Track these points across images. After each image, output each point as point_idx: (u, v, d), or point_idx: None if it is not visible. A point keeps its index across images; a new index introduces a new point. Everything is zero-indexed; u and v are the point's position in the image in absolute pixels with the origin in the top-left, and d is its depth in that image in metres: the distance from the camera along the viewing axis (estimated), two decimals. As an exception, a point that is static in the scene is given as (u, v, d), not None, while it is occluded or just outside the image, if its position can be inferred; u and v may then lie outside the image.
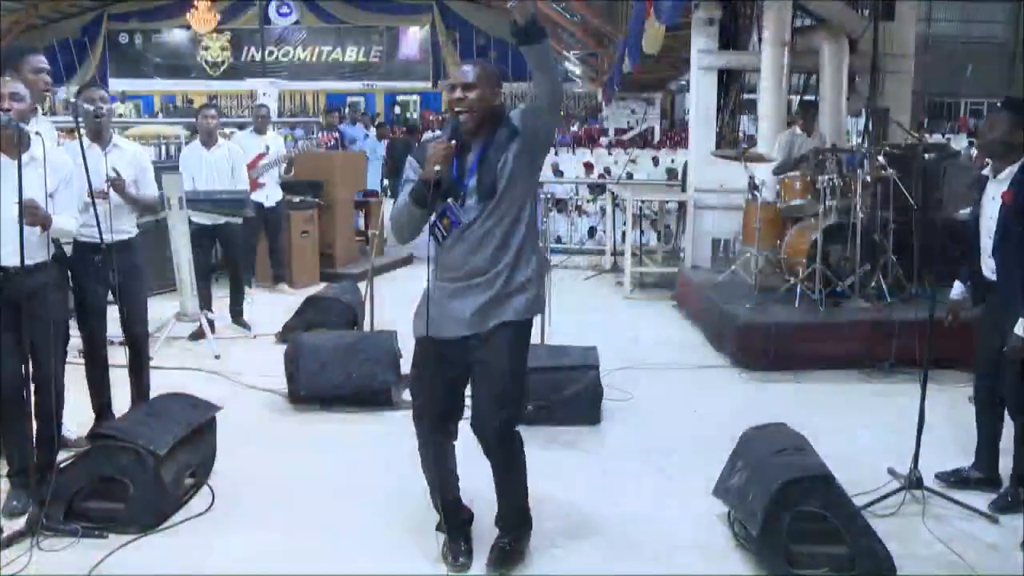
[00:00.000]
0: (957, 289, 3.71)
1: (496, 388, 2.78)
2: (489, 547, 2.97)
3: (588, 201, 11.29)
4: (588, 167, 14.75)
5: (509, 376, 2.80)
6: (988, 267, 3.48)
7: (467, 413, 2.91)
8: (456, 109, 2.71)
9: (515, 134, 2.73)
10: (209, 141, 6.32)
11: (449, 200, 2.72)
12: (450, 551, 2.97)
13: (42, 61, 3.63)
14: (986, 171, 3.57)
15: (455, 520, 3.01)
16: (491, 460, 2.89)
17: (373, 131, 12.49)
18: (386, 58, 29.08)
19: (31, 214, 3.10)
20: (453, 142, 2.67)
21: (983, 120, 3.73)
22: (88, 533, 3.09)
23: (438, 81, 28.81)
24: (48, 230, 3.25)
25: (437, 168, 2.63)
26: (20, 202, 3.01)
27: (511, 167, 2.71)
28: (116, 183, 4.07)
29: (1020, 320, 3.24)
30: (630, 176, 12.42)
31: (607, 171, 14.12)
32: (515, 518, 3.00)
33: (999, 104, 3.71)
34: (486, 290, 2.75)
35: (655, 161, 16.31)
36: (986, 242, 3.46)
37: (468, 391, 2.92)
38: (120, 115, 19.70)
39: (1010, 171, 3.38)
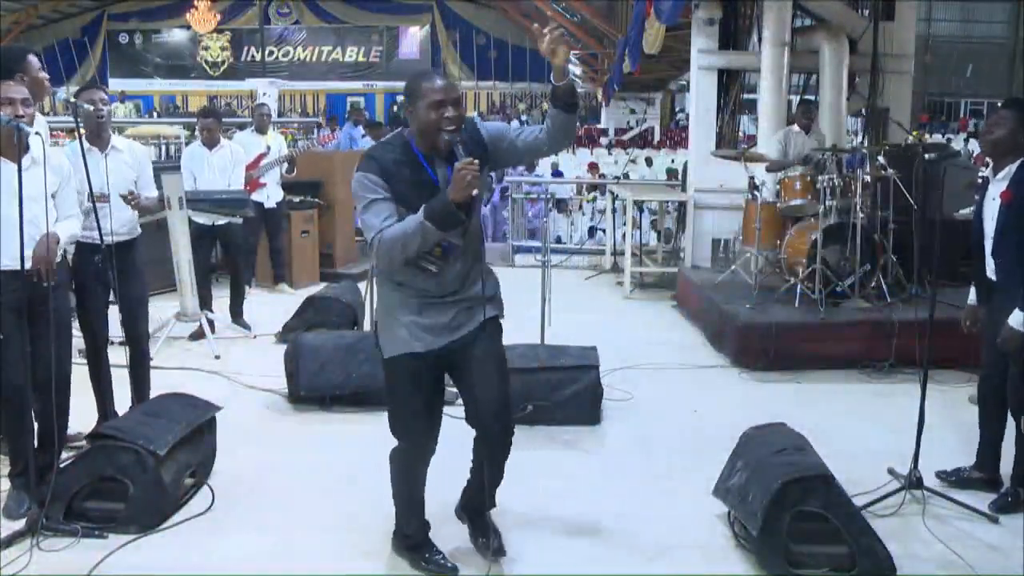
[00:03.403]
0: (974, 295, 3.70)
1: (499, 379, 2.77)
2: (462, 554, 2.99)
3: (589, 201, 11.32)
4: (593, 167, 14.79)
5: (504, 366, 2.82)
6: (991, 267, 3.48)
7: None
8: (450, 127, 2.56)
9: (484, 151, 2.65)
10: (211, 143, 6.33)
11: None
12: (433, 562, 2.94)
13: (36, 62, 3.63)
14: (986, 172, 3.56)
15: (425, 533, 3.00)
16: (492, 458, 2.86)
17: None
18: (386, 58, 29.12)
19: (42, 260, 3.14)
20: (477, 160, 2.51)
21: (984, 120, 3.71)
22: (88, 533, 3.09)
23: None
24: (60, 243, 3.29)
25: (476, 192, 2.49)
26: (20, 206, 3.00)
27: (491, 169, 2.73)
28: (131, 201, 4.14)
29: (1016, 312, 3.24)
30: (626, 176, 12.44)
31: (597, 171, 14.20)
32: (486, 519, 2.99)
33: (1000, 104, 3.70)
34: (460, 302, 2.74)
35: (648, 162, 16.37)
36: (989, 243, 3.46)
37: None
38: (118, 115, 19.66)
39: (1008, 170, 3.37)
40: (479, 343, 2.75)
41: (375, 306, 2.82)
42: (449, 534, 3.08)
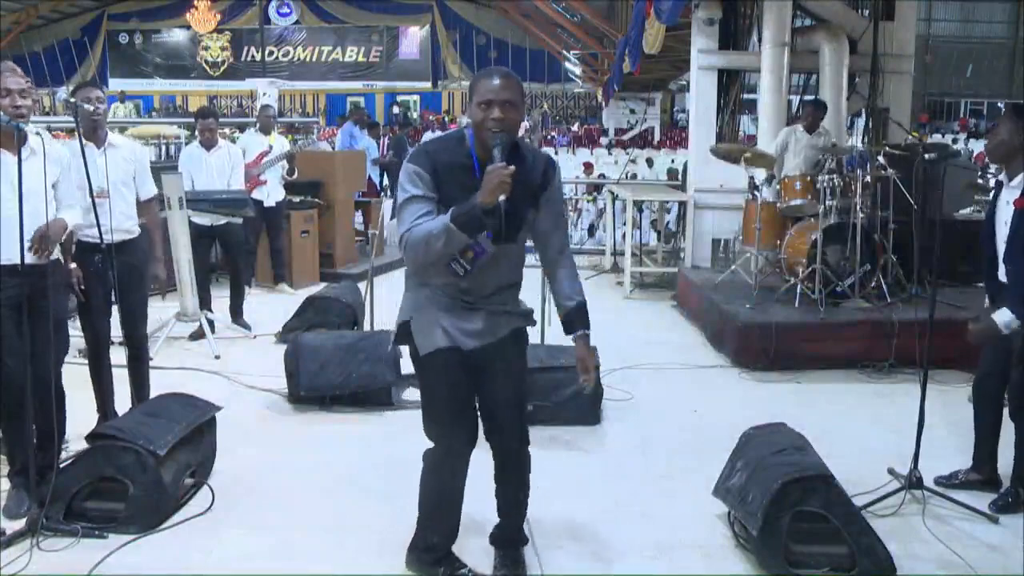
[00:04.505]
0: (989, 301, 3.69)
1: (518, 392, 2.74)
2: (488, 563, 2.93)
3: (588, 200, 11.33)
4: (588, 167, 14.81)
5: (523, 380, 2.78)
6: (1003, 272, 3.46)
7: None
8: (494, 129, 2.46)
9: (543, 189, 2.60)
10: (210, 144, 6.33)
11: (486, 236, 2.53)
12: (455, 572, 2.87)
13: (12, 65, 3.60)
14: (1001, 176, 3.55)
15: (448, 547, 2.87)
16: (507, 471, 2.81)
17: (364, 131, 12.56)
18: (386, 58, 29.10)
19: (42, 241, 3.14)
20: (513, 167, 2.43)
21: (985, 121, 3.77)
22: (88, 533, 3.09)
23: (438, 81, 28.85)
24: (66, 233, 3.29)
25: (503, 198, 2.39)
26: (20, 204, 3.00)
27: (534, 220, 2.64)
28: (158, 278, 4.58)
29: (1004, 311, 3.25)
30: (633, 177, 12.44)
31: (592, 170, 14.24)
32: (517, 537, 2.94)
33: (1003, 109, 3.71)
34: (493, 311, 2.69)
35: (649, 162, 16.38)
36: (1001, 247, 3.44)
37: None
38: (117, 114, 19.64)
39: (1022, 177, 3.36)
40: (502, 354, 2.71)
41: (402, 307, 2.73)
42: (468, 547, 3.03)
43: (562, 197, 2.72)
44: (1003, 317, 3.27)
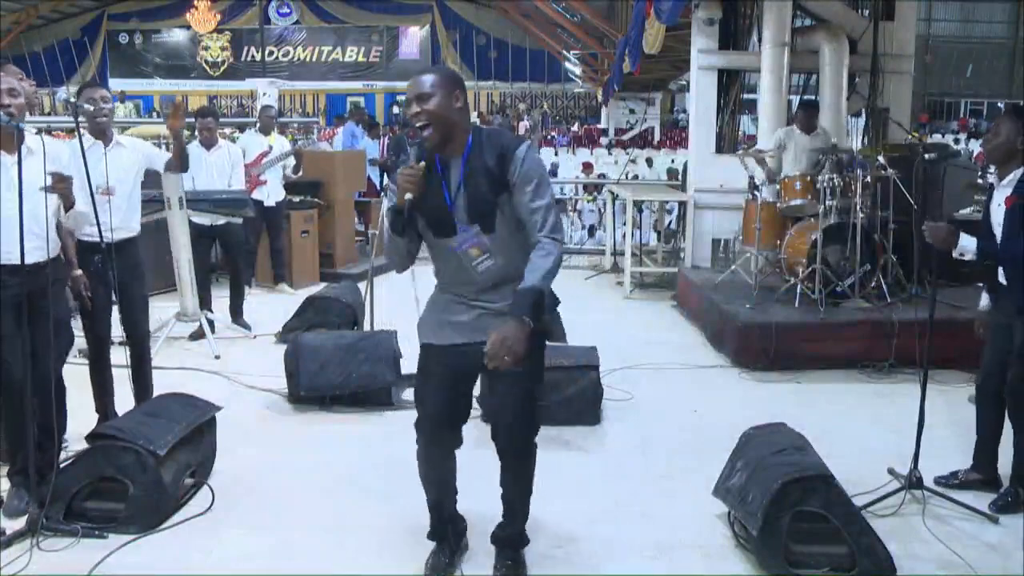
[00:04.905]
0: (985, 300, 3.70)
1: (519, 395, 2.67)
2: (488, 564, 2.93)
3: (588, 200, 11.33)
4: (587, 167, 14.82)
5: (528, 383, 2.67)
6: (1002, 274, 3.47)
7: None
8: (417, 124, 2.51)
9: (504, 173, 2.53)
10: (209, 143, 6.34)
11: (467, 230, 2.57)
12: (434, 562, 2.90)
13: (15, 69, 3.60)
14: (991, 178, 3.56)
15: (445, 531, 2.92)
16: (505, 472, 2.80)
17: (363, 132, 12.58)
18: (386, 58, 29.11)
19: (59, 182, 3.13)
20: (422, 163, 2.49)
21: (988, 125, 3.79)
22: (88, 533, 3.09)
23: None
24: (71, 211, 3.30)
25: (409, 196, 2.47)
26: (20, 203, 3.00)
27: (511, 208, 2.58)
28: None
29: (973, 239, 3.31)
30: (633, 176, 12.43)
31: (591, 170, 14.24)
32: (517, 538, 2.93)
33: (1003, 109, 3.71)
34: (486, 307, 2.66)
35: (649, 162, 16.39)
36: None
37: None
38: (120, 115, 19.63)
39: (1013, 176, 3.37)
40: None
41: None
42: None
43: (536, 175, 2.57)
44: (966, 241, 3.31)
